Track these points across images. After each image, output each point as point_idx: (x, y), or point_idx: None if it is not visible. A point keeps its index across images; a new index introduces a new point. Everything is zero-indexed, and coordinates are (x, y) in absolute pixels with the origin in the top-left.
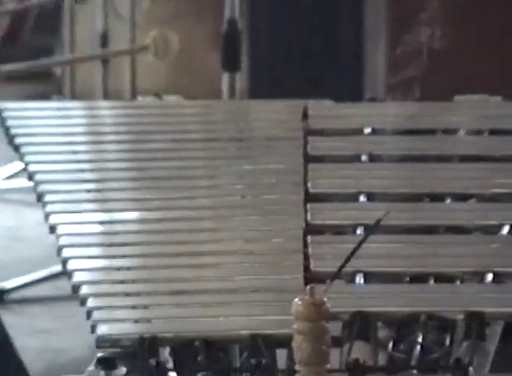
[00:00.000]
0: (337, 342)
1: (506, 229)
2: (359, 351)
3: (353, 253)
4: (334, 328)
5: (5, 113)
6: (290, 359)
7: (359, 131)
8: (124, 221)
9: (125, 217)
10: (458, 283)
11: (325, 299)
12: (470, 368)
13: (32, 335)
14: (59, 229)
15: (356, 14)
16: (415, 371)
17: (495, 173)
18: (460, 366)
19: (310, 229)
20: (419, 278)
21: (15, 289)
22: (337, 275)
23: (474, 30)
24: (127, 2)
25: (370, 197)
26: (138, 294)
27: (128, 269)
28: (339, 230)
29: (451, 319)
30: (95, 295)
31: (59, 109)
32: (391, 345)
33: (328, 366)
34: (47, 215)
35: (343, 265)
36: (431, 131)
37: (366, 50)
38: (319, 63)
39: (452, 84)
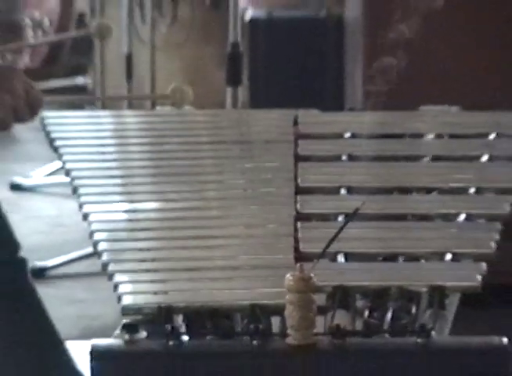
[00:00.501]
0: (322, 311)
1: (462, 217)
2: (340, 318)
3: (335, 236)
4: (320, 299)
5: (47, 121)
6: (283, 324)
7: (340, 136)
8: (145, 210)
9: (146, 207)
10: (422, 261)
11: (312, 275)
12: (433, 332)
13: (70, 305)
14: (91, 217)
15: (338, 40)
16: (387, 335)
17: (454, 170)
18: (424, 330)
19: (299, 217)
20: (390, 257)
21: (55, 267)
22: (321, 255)
23: (434, 54)
24: (147, 28)
25: (349, 190)
26: (156, 270)
27: (148, 250)
28: (324, 218)
29: (417, 291)
30: (121, 272)
31: (90, 117)
32: (366, 313)
33: (314, 330)
34: (81, 205)
35: (327, 247)
36: (400, 136)
37: (347, 70)
38: (307, 79)
39: (418, 96)
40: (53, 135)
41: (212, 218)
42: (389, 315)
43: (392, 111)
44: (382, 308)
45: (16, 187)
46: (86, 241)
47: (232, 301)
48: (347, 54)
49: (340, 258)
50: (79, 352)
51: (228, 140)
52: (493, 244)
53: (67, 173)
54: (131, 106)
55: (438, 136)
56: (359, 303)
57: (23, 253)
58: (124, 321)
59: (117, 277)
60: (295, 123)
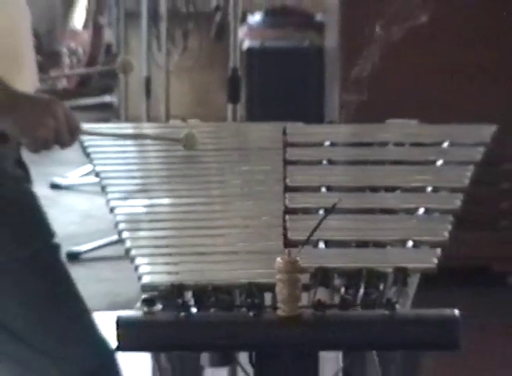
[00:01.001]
0: (306, 288)
1: (421, 211)
2: (321, 294)
3: (317, 227)
4: (304, 278)
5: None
6: (274, 299)
7: (321, 144)
8: (161, 205)
9: (161, 202)
10: (389, 247)
11: (298, 258)
12: (397, 305)
13: (99, 283)
14: (116, 210)
15: (319, 66)
16: (359, 308)
17: (414, 172)
18: (390, 304)
19: (287, 211)
20: (362, 244)
21: (87, 251)
22: (306, 242)
23: (398, 78)
24: (163, 56)
25: (329, 188)
26: (169, 254)
27: (163, 237)
28: (307, 211)
29: (384, 272)
30: (140, 255)
31: (116, 128)
32: (342, 290)
33: (300, 304)
34: (108, 201)
35: (310, 235)
36: (370, 144)
37: (326, 90)
38: (293, 98)
39: (384, 111)
40: (86, 144)
41: (215, 211)
42: (361, 291)
43: (363, 124)
44: (355, 285)
45: (54, 186)
46: (112, 230)
47: (232, 280)
48: (327, 77)
49: (321, 245)
50: (106, 322)
51: (228, 147)
52: (446, 233)
53: (97, 174)
54: (149, 120)
55: (401, 144)
56: (337, 282)
57: (60, 240)
58: (143, 296)
59: (138, 260)
60: (284, 133)
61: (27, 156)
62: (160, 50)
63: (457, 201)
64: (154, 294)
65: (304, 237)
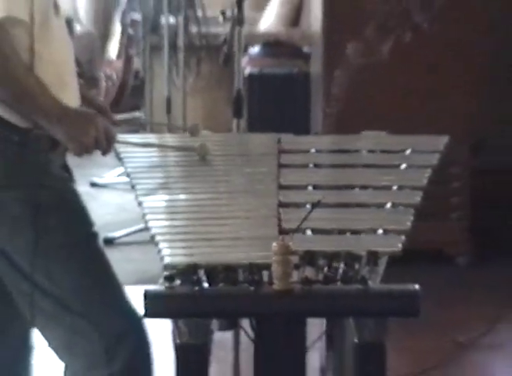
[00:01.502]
0: (296, 267)
1: (389, 205)
2: (308, 271)
3: (305, 218)
4: (295, 259)
5: None
6: (270, 276)
7: (308, 151)
8: (179, 199)
9: (179, 197)
10: (363, 234)
11: (290, 243)
12: (369, 281)
13: (129, 263)
14: (144, 204)
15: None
16: (339, 283)
17: (383, 174)
18: (364, 280)
19: (281, 205)
20: (341, 232)
21: (120, 237)
22: (296, 230)
23: (370, 98)
24: (180, 79)
25: (314, 187)
26: (186, 240)
27: (181, 226)
28: (297, 205)
29: (359, 254)
30: (163, 241)
31: (143, 139)
32: (326, 268)
33: (291, 280)
34: (137, 196)
35: (300, 225)
36: (347, 151)
37: (312, 108)
38: (286, 114)
39: (359, 125)
40: (119, 150)
41: (222, 205)
42: (340, 270)
43: (342, 135)
44: (336, 265)
45: (94, 184)
46: (140, 220)
47: (237, 261)
48: (312, 97)
49: (309, 232)
50: (135, 295)
51: (233, 153)
52: (409, 223)
53: (128, 175)
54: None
55: (372, 151)
56: (321, 262)
57: (98, 228)
58: (165, 274)
59: (161, 244)
60: (278, 142)
61: (71, 160)
62: (178, 75)
63: (417, 198)
64: (174, 272)
65: (294, 226)
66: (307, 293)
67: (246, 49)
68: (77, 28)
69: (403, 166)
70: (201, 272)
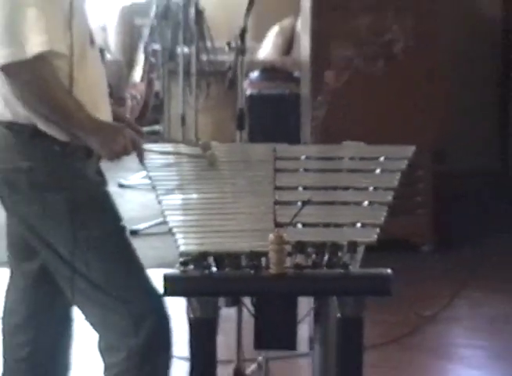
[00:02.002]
0: (289, 254)
1: (366, 203)
2: (299, 258)
3: (297, 214)
4: (288, 248)
5: None
6: (267, 262)
7: (299, 158)
8: (191, 198)
9: (192, 196)
10: (345, 227)
11: (284, 235)
12: (350, 266)
13: (151, 250)
14: (163, 202)
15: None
16: (325, 268)
17: (361, 177)
18: (345, 265)
19: (277, 202)
20: (327, 225)
21: (143, 229)
22: (289, 223)
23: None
24: (193, 99)
25: (304, 188)
26: (198, 232)
27: (194, 220)
28: (290, 203)
29: (341, 244)
30: (179, 232)
31: (161, 148)
32: (314, 256)
33: (285, 265)
34: (157, 195)
35: (292, 219)
36: (332, 158)
37: (302, 123)
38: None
39: (341, 136)
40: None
41: (228, 203)
42: (326, 257)
43: (327, 144)
44: (322, 253)
45: (121, 185)
46: (159, 215)
47: (240, 249)
48: (301, 113)
49: (299, 226)
50: (156, 277)
51: (236, 160)
52: (382, 218)
53: (149, 178)
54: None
55: (353, 158)
56: (309, 250)
57: (125, 222)
58: (181, 260)
59: (177, 235)
60: (274, 151)
61: (103, 165)
62: (191, 95)
63: (389, 197)
64: (188, 259)
65: (288, 221)
66: (298, 276)
67: (247, 74)
68: (108, 57)
69: (378, 171)
70: (210, 259)
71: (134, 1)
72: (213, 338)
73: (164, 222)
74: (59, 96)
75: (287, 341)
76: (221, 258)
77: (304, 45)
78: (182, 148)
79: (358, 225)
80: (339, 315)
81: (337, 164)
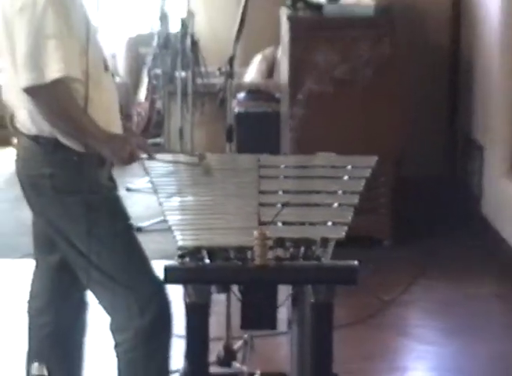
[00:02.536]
0: (271, 248)
1: (335, 205)
2: (279, 252)
3: (277, 214)
4: (270, 243)
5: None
6: (252, 255)
7: (279, 167)
8: (188, 200)
9: (189, 198)
10: (318, 225)
11: (266, 231)
12: (322, 258)
13: (154, 244)
14: (164, 203)
15: (277, 123)
16: (301, 260)
17: (331, 183)
18: (318, 258)
19: (261, 204)
20: (302, 223)
21: (146, 226)
22: (271, 222)
23: (323, 127)
24: (190, 115)
25: (284, 192)
26: (194, 229)
27: (190, 219)
28: (272, 205)
29: (314, 239)
30: (177, 229)
31: (162, 157)
32: (292, 250)
33: (267, 257)
34: (158, 198)
35: (273, 218)
36: (307, 166)
37: (282, 136)
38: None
39: (316, 147)
40: (145, 165)
41: (219, 204)
42: (302, 251)
43: (302, 155)
44: (299, 247)
45: (128, 189)
46: (161, 214)
47: (229, 244)
48: (281, 129)
49: (279, 224)
50: (158, 267)
51: (226, 168)
52: (350, 217)
53: (152, 183)
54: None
55: (324, 167)
56: (288, 245)
57: (132, 220)
58: (179, 253)
59: (175, 232)
60: (258, 160)
61: (114, 172)
62: (188, 112)
63: (355, 199)
64: (185, 252)
65: (270, 220)
66: (278, 267)
67: (235, 95)
68: (117, 80)
69: (346, 177)
70: (204, 252)
71: (139, 32)
72: (206, 319)
73: (165, 221)
74: (74, 114)
75: (269, 322)
76: (213, 252)
77: (283, 71)
78: (181, 158)
79: (329, 223)
80: (313, 300)
81: (311, 172)
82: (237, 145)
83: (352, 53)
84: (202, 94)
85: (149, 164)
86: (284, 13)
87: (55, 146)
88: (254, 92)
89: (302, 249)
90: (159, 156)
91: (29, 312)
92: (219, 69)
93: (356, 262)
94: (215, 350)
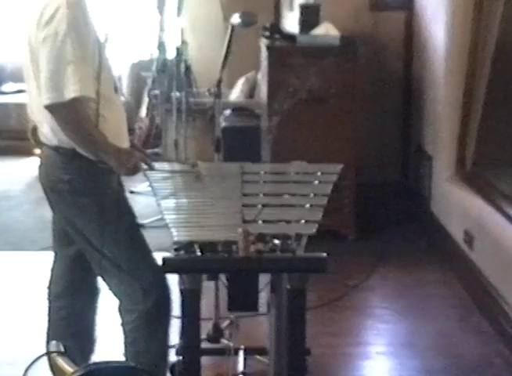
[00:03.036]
0: (253, 242)
1: (307, 205)
2: (260, 245)
3: (259, 213)
4: (252, 238)
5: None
6: (237, 248)
7: (259, 173)
8: (182, 202)
9: (182, 201)
10: (293, 223)
11: (249, 228)
12: (297, 251)
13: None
14: (161, 204)
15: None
16: (278, 252)
17: (304, 187)
18: (293, 250)
19: (244, 205)
20: (280, 221)
21: (147, 223)
22: (253, 220)
23: (295, 138)
24: (183, 129)
25: (264, 195)
26: (187, 226)
27: (183, 217)
28: (253, 205)
29: (290, 235)
30: (173, 226)
31: (160, 166)
32: (271, 244)
33: (250, 250)
34: (156, 199)
35: (255, 217)
36: (283, 173)
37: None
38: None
39: (290, 156)
40: (145, 172)
41: (208, 205)
42: (279, 244)
43: (279, 163)
44: (277, 241)
45: (132, 192)
46: (159, 213)
47: (217, 239)
48: (262, 141)
49: (260, 222)
50: (157, 257)
51: (214, 174)
52: (320, 216)
53: (151, 187)
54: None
55: (298, 173)
56: (268, 239)
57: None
58: (174, 246)
59: (171, 229)
60: (242, 168)
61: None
62: (182, 127)
63: (324, 201)
64: (179, 246)
65: (252, 218)
66: (259, 258)
67: (222, 112)
68: (122, 99)
69: (316, 182)
70: (196, 246)
71: (140, 59)
72: (198, 302)
73: (162, 219)
74: (87, 128)
75: (251, 305)
76: (203, 246)
77: (262, 91)
78: (175, 166)
79: (302, 221)
80: (288, 286)
81: (286, 177)
82: (224, 154)
83: (321, 76)
84: (194, 111)
85: (149, 172)
86: (263, 43)
87: (72, 156)
88: (238, 109)
89: (279, 243)
90: (157, 166)
91: (48, 297)
92: (208, 90)
93: (325, 254)
94: (206, 329)
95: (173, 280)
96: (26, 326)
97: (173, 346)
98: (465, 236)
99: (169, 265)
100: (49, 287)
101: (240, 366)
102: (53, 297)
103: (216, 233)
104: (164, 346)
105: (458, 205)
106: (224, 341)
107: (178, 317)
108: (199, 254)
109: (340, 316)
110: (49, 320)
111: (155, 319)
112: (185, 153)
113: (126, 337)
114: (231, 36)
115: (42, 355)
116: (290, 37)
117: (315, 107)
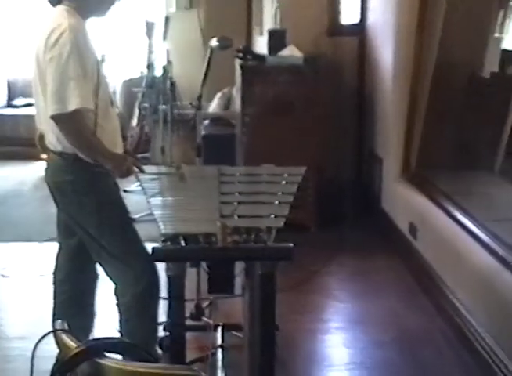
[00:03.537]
0: (230, 234)
1: (276, 202)
2: (236, 237)
3: (234, 210)
4: (228, 230)
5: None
6: (216, 239)
7: (235, 174)
8: (170, 200)
9: (170, 198)
10: (264, 217)
11: (226, 222)
12: (267, 242)
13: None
14: (150, 201)
15: (234, 143)
16: (252, 243)
17: (273, 187)
18: (264, 241)
19: (222, 202)
20: (252, 216)
21: (137, 218)
22: (230, 216)
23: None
24: (169, 136)
25: (239, 193)
26: (174, 221)
27: (170, 213)
28: (230, 202)
29: (262, 228)
30: (161, 221)
31: (149, 169)
32: (245, 235)
33: (227, 241)
34: (146, 197)
35: (232, 212)
36: (255, 174)
37: (236, 153)
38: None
39: (261, 160)
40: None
41: (191, 203)
42: (253, 236)
43: (251, 166)
44: (250, 233)
45: (125, 191)
46: (148, 209)
47: (199, 231)
48: (236, 147)
49: (236, 217)
50: (148, 247)
51: (195, 176)
52: (287, 211)
53: (142, 186)
54: (164, 165)
55: (268, 175)
56: (243, 232)
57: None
58: (162, 238)
59: (160, 223)
60: (219, 170)
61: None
62: (167, 135)
63: (291, 198)
64: (166, 237)
65: (229, 213)
66: (235, 248)
67: (202, 122)
68: (116, 110)
69: (283, 182)
70: (180, 238)
71: (132, 76)
72: (182, 286)
73: (151, 214)
74: (87, 136)
75: (228, 288)
76: (187, 237)
77: (236, 104)
78: (162, 168)
79: (272, 216)
80: (260, 272)
81: (258, 178)
82: (204, 159)
83: (287, 91)
84: (178, 121)
85: (140, 174)
86: (238, 63)
87: (74, 160)
88: (216, 119)
89: (253, 235)
90: (147, 169)
91: (53, 282)
92: (190, 103)
93: (291, 244)
94: (189, 308)
95: (161, 267)
96: (34, 306)
97: (161, 323)
98: (410, 228)
99: (158, 254)
100: (54, 273)
101: (219, 340)
102: (58, 281)
103: (198, 226)
104: (154, 323)
105: (404, 201)
106: (205, 319)
107: (165, 299)
108: (183, 244)
109: (305, 297)
110: (54, 302)
111: (146, 301)
112: (170, 158)
113: (121, 316)
114: (210, 57)
115: (49, 332)
116: (261, 58)
117: (282, 117)
